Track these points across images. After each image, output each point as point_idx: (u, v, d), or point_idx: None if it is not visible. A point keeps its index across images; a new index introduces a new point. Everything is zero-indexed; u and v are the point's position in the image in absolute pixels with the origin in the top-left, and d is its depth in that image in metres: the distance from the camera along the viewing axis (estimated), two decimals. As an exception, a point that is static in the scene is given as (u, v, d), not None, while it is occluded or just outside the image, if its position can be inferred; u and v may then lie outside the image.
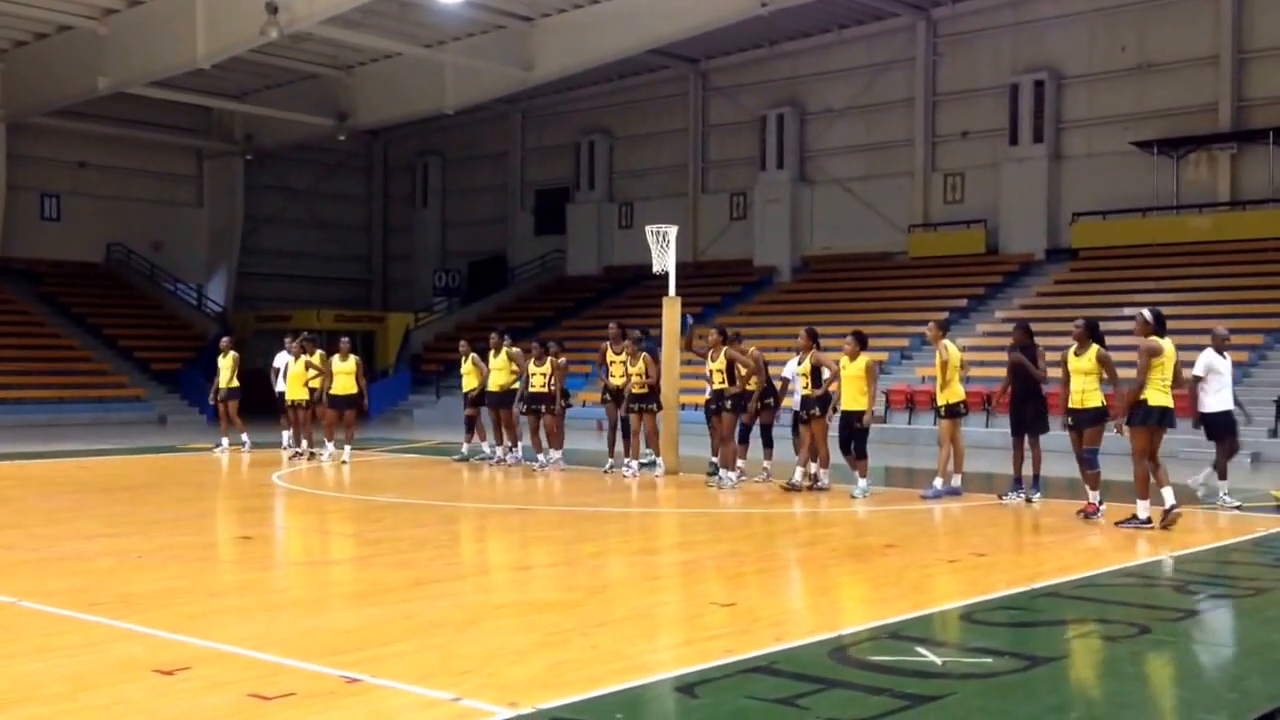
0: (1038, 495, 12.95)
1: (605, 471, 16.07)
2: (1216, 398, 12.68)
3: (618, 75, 35.96)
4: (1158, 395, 10.98)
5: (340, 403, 17.85)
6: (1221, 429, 12.75)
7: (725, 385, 14.71)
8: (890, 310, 29.00)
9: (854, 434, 13.43)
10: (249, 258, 39.70)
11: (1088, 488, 11.80)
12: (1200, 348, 13.36)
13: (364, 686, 5.80)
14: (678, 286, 17.36)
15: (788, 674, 6.12)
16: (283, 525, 12.42)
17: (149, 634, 6.82)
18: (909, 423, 24.76)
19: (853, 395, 13.32)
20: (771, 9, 26.43)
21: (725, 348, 14.88)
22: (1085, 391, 11.64)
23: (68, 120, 33.98)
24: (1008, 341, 13.61)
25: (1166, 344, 11.08)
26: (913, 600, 8.08)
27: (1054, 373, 12.67)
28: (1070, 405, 11.78)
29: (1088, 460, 11.72)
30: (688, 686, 5.91)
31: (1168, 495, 11.10)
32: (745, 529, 11.81)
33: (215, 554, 10.28)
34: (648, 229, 17.71)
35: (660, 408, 16.04)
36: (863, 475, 13.48)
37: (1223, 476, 12.69)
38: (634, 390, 15.82)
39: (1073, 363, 11.75)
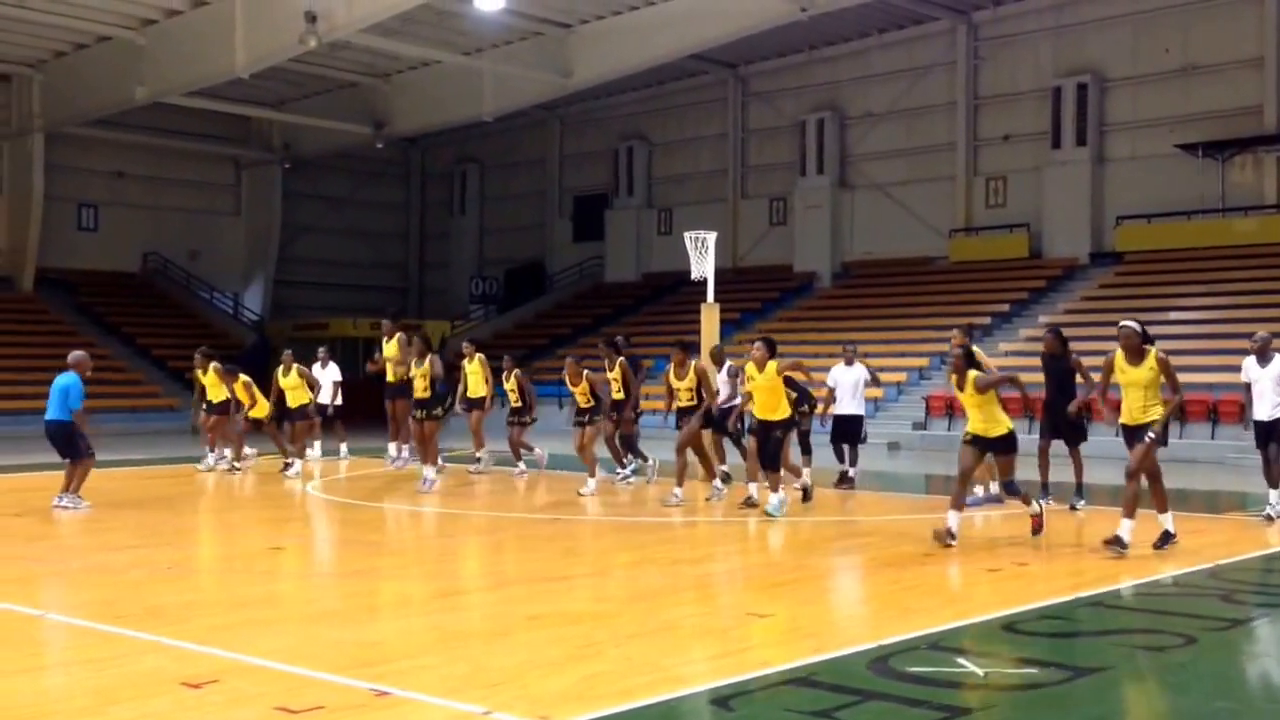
0: (1082, 503, 12.71)
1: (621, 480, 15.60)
2: (1256, 405, 12.37)
3: (656, 81, 35.87)
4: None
5: (289, 415, 17.82)
6: (1256, 436, 12.47)
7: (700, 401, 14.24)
8: (931, 315, 28.71)
9: (772, 445, 12.45)
10: (286, 266, 39.93)
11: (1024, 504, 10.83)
12: (1245, 353, 13.04)
13: (393, 700, 5.72)
14: (717, 293, 17.25)
15: (825, 686, 5.99)
16: (312, 536, 12.36)
17: (177, 646, 6.75)
18: (948, 430, 24.47)
19: (767, 404, 12.50)
20: (811, 14, 26.27)
21: (694, 362, 14.44)
22: (988, 422, 10.48)
23: (105, 130, 34.27)
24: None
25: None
26: (953, 610, 7.91)
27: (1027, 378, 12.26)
28: (974, 432, 10.58)
29: (1009, 490, 10.66)
30: (723, 699, 5.79)
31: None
32: (782, 538, 11.64)
33: (244, 565, 10.22)
34: (686, 235, 17.62)
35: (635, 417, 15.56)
36: (774, 490, 12.42)
37: (1272, 485, 12.40)
38: (614, 397, 15.27)
39: (964, 397, 10.69)
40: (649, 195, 38.43)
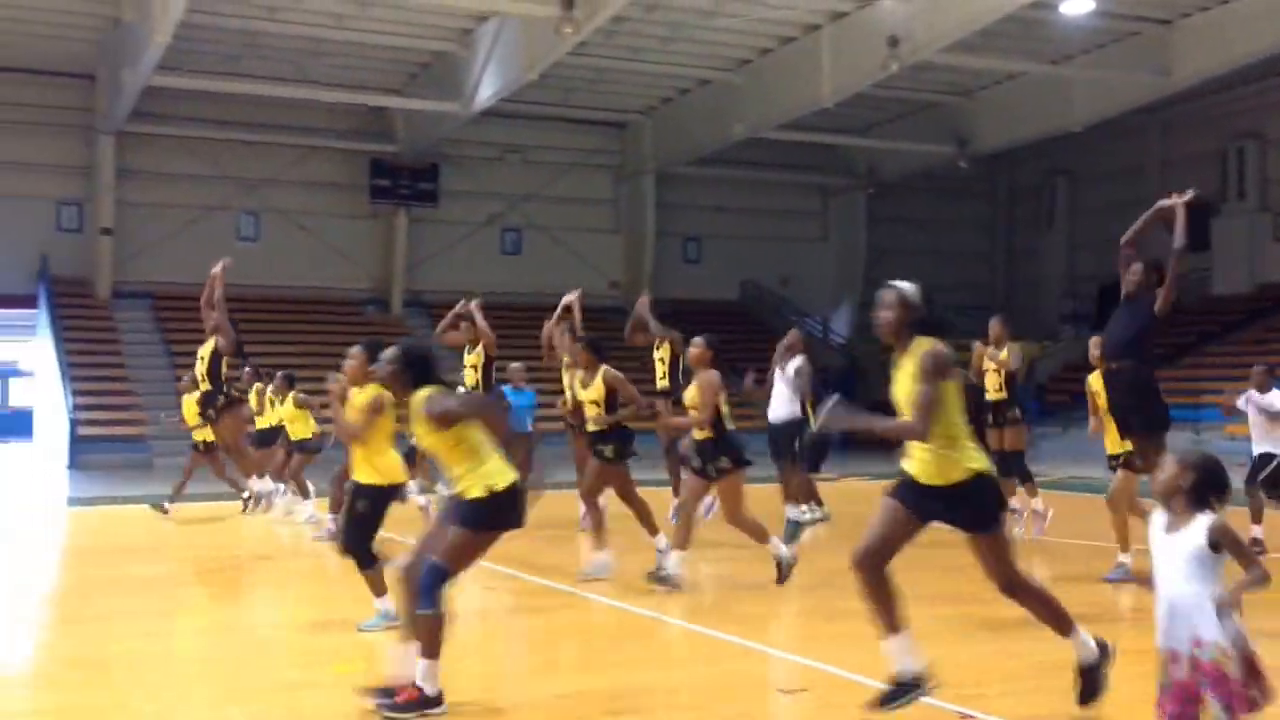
0: None
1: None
2: None
3: (1274, 72, 32.49)
4: None
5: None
6: None
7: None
8: None
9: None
10: (871, 289, 40.54)
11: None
12: None
13: (976, 724, 5.65)
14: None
15: None
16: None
17: (771, 654, 7.13)
18: None
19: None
20: None
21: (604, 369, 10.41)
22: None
23: (705, 168, 36.86)
24: None
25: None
26: None
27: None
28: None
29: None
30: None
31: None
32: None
33: (831, 580, 10.38)
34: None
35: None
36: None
37: None
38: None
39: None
40: (1264, 199, 34.94)
